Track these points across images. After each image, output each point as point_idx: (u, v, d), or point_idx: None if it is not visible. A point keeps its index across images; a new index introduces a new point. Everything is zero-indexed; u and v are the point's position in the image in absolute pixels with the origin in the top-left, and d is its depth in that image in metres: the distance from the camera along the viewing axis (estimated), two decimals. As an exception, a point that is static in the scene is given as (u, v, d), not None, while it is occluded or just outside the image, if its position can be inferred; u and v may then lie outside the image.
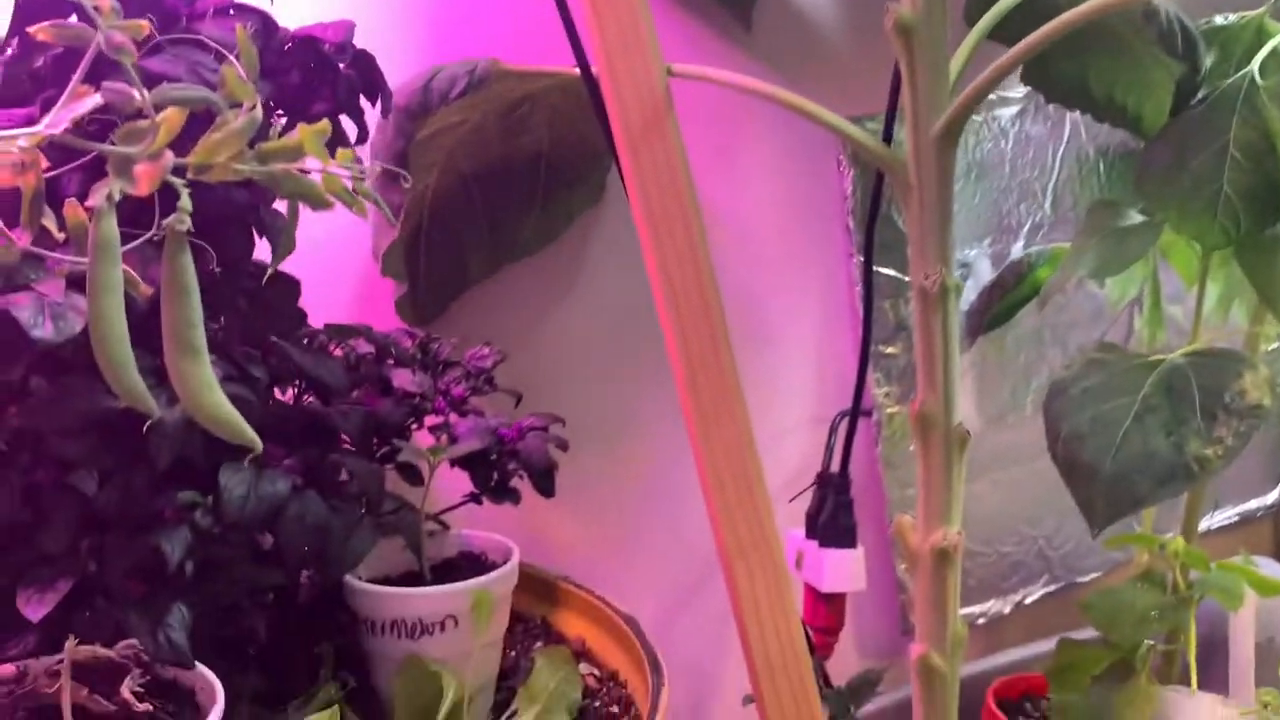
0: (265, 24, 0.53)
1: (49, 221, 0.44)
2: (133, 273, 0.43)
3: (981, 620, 1.18)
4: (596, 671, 0.73)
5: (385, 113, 0.62)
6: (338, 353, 0.77)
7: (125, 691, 0.47)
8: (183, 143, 0.41)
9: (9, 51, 0.50)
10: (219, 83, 0.43)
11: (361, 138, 0.61)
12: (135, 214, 0.44)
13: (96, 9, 0.38)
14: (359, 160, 0.40)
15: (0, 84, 0.50)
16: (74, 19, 0.46)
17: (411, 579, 0.70)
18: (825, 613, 1.01)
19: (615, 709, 0.69)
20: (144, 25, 0.38)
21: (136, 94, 0.39)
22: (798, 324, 1.12)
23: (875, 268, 1.10)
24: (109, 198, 0.41)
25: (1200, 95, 0.87)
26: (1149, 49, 0.88)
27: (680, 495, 1.06)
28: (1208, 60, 0.91)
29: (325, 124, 0.42)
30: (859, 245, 1.08)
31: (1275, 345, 1.17)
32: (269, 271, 0.46)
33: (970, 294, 1.14)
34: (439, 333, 0.87)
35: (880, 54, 0.71)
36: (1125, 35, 0.90)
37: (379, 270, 0.87)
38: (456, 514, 0.85)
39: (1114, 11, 0.83)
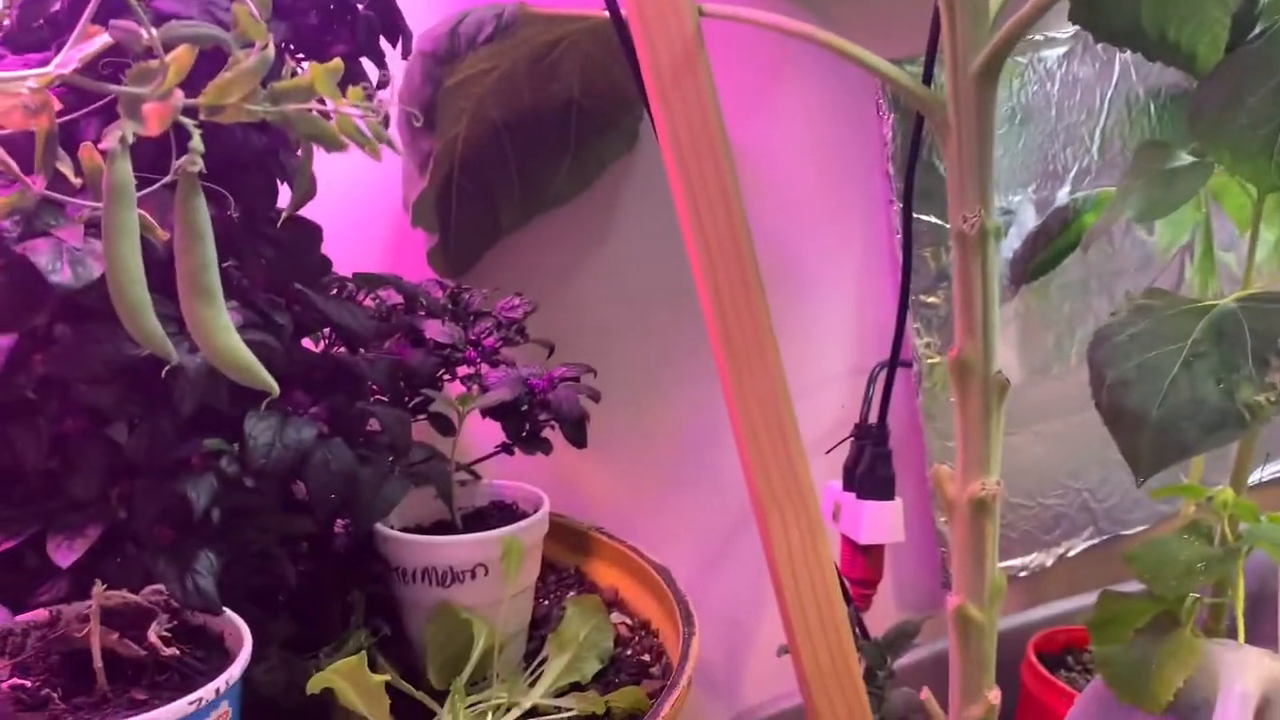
0: (281, -37, 0.52)
1: (67, 167, 0.43)
2: (149, 217, 0.42)
3: (1023, 573, 1.17)
4: (628, 620, 0.73)
5: (405, 54, 0.61)
6: (368, 303, 0.76)
7: (152, 636, 0.47)
8: (197, 85, 0.40)
9: (24, -5, 0.49)
10: (231, 22, 0.42)
11: (383, 81, 0.60)
12: (155, 159, 0.44)
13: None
14: (370, 96, 0.39)
15: (16, 29, 0.50)
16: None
17: (443, 528, 0.70)
18: (863, 565, 1.00)
19: (647, 657, 0.69)
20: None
21: (144, 32, 0.39)
22: (835, 272, 1.10)
23: (915, 215, 1.08)
24: (122, 140, 0.40)
25: (1258, 30, 0.84)
26: (1203, -18, 0.84)
27: (714, 445, 1.06)
28: (1265, -5, 0.87)
29: (338, 63, 0.41)
30: (899, 192, 1.06)
31: (1332, 291, 1.13)
32: (285, 215, 0.45)
33: (1014, 241, 1.11)
34: (471, 284, 0.86)
35: (919, -6, 0.68)
36: (1178, -33, 0.86)
37: (409, 221, 0.86)
38: (489, 465, 0.85)
39: (1166, -59, 0.80)
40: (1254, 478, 1.32)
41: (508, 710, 0.61)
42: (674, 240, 0.76)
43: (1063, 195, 1.13)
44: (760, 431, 0.78)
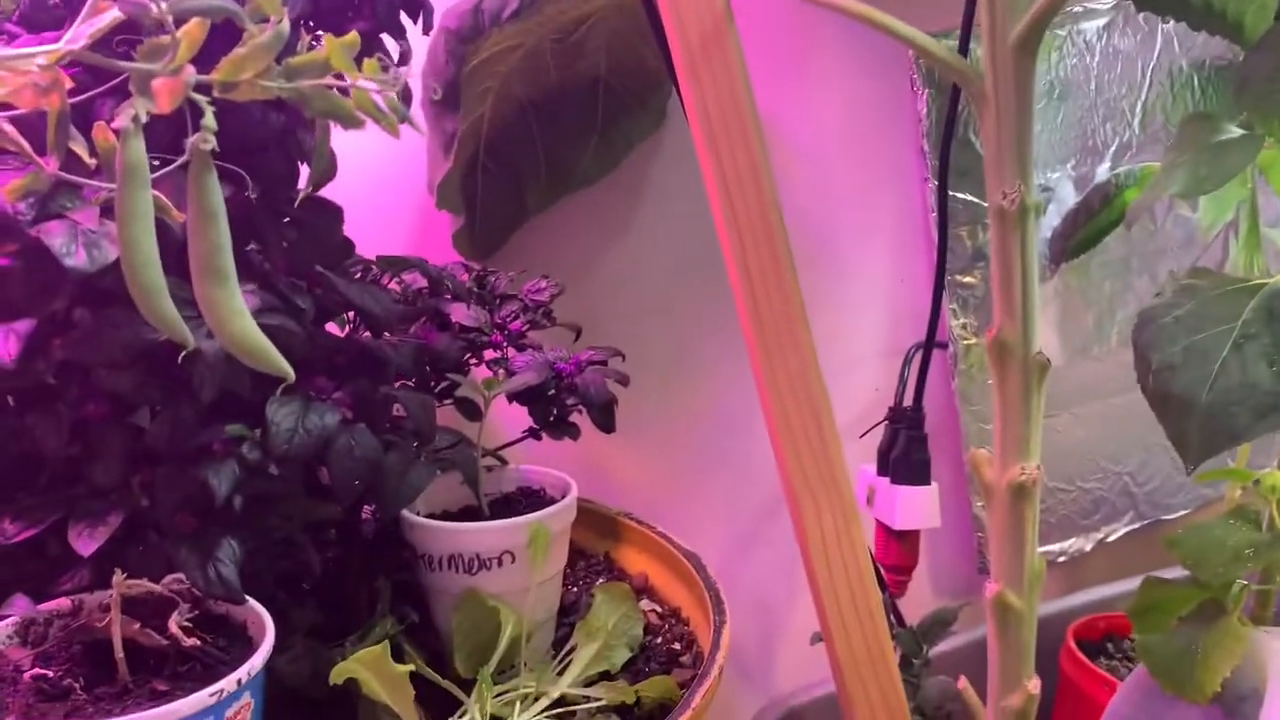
0: (299, -63, 0.51)
1: (81, 147, 0.42)
2: (164, 199, 0.41)
3: (1062, 559, 1.15)
4: (658, 608, 0.72)
5: (427, 30, 0.59)
6: (393, 286, 0.75)
7: (173, 626, 0.47)
8: (212, 61, 0.39)
9: (38, -28, 0.48)
10: (247, -4, 0.41)
11: (404, 58, 0.59)
12: (171, 139, 0.43)
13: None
14: (385, 69, 0.38)
15: (30, 7, 0.49)
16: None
17: (470, 514, 0.69)
18: (898, 551, 0.98)
19: (677, 645, 0.67)
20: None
21: (154, 6, 0.37)
22: (870, 252, 1.08)
23: (951, 192, 1.05)
24: (135, 119, 0.39)
25: (1309, -4, 0.81)
26: (1251, -53, 0.81)
27: (746, 429, 1.04)
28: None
29: (354, 36, 0.39)
30: (934, 169, 1.03)
31: (1386, 267, 1.09)
32: (302, 195, 0.44)
33: (1053, 219, 1.09)
34: (497, 266, 0.85)
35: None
36: (1225, -67, 0.83)
37: (434, 204, 0.85)
38: (517, 450, 0.84)
39: (1213, -96, 0.77)
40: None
41: (535, 700, 0.60)
42: (703, 220, 0.74)
43: (1103, 171, 1.11)
44: (792, 415, 0.76)
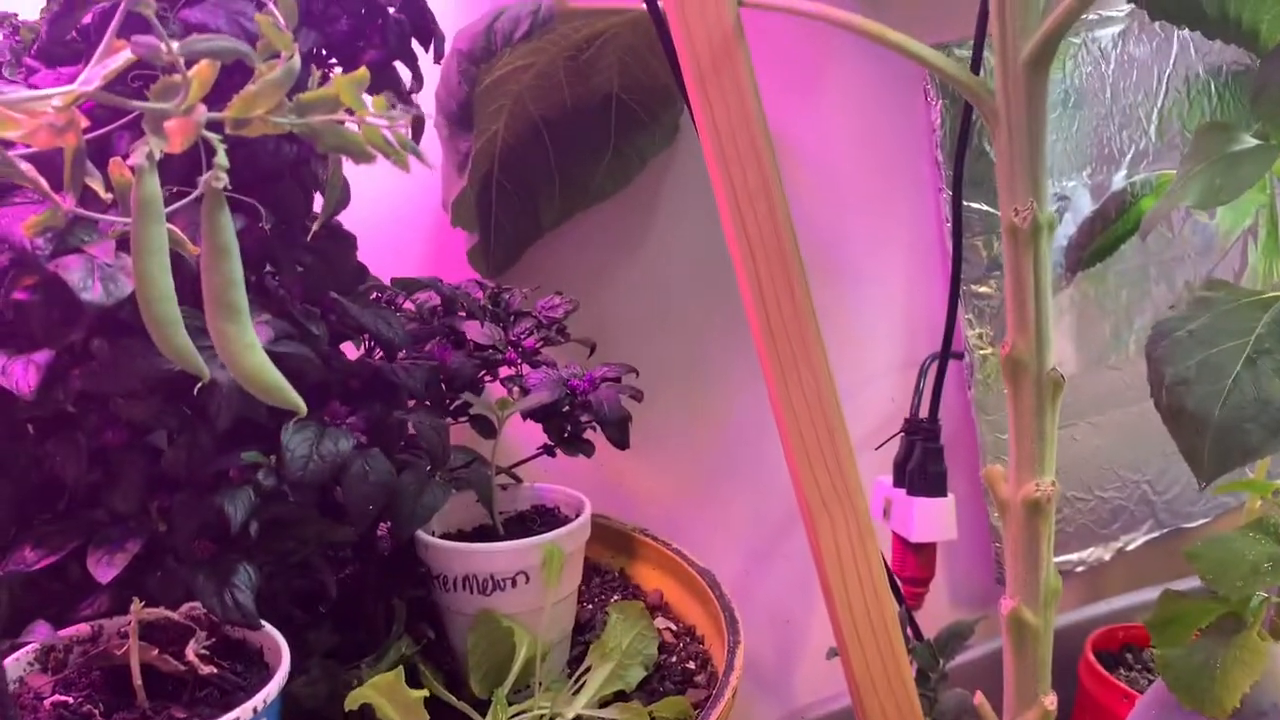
0: (310, -31, 0.52)
1: (98, 182, 0.43)
2: (179, 233, 0.42)
3: (1081, 568, 1.14)
4: (673, 626, 0.72)
5: (438, 57, 0.60)
6: (409, 305, 0.76)
7: (190, 654, 0.47)
8: (226, 95, 0.40)
9: (54, 7, 0.49)
10: (259, 32, 0.41)
11: (416, 84, 0.59)
12: (187, 173, 0.43)
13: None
14: (395, 106, 0.38)
15: (48, 42, 0.50)
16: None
17: (485, 533, 0.69)
18: (915, 563, 0.98)
19: (692, 665, 0.68)
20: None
21: (163, 47, 0.38)
22: (885, 263, 1.07)
23: (966, 203, 1.05)
24: (149, 156, 0.40)
25: (1324, 4, 0.80)
26: (1266, -44, 0.81)
27: (763, 441, 1.04)
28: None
29: (363, 72, 0.40)
30: (948, 179, 1.03)
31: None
32: (315, 226, 0.45)
33: (1069, 228, 1.08)
34: (512, 282, 0.86)
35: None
36: (1240, -58, 0.82)
37: (449, 221, 0.86)
38: (534, 466, 0.84)
39: (1226, -85, 0.77)
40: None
41: (551, 720, 0.60)
42: (716, 236, 0.74)
43: (1119, 179, 1.10)
44: (806, 430, 0.76)
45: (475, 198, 0.88)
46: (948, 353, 0.95)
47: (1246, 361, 0.75)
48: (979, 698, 0.78)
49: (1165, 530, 1.18)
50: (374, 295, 0.67)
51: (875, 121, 1.04)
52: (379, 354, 0.66)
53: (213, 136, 0.39)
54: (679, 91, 0.74)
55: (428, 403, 0.70)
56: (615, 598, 0.76)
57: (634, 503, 1.00)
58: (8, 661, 0.49)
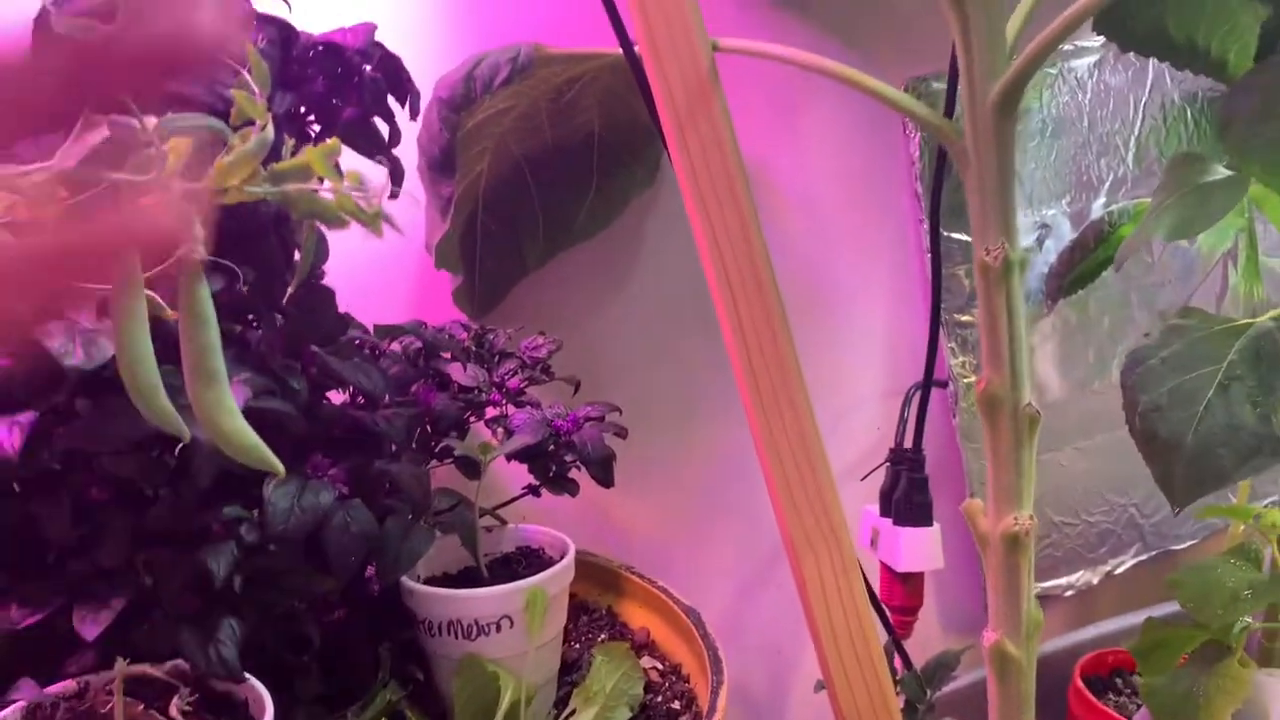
0: (285, 34, 0.53)
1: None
2: (158, 299, 0.43)
3: (1070, 593, 1.15)
4: (659, 664, 0.73)
5: (414, 114, 0.61)
6: (395, 347, 0.77)
7: (174, 710, 0.48)
8: (204, 161, 0.41)
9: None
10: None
11: (395, 138, 0.61)
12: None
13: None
14: (376, 157, 0.39)
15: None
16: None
17: (471, 575, 0.70)
18: (903, 592, 0.99)
19: (677, 704, 0.68)
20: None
21: (139, 124, 0.39)
22: (868, 294, 1.08)
23: (947, 233, 1.06)
24: (128, 225, 0.41)
25: (1289, 37, 0.82)
26: (1233, -10, 0.82)
27: (751, 473, 1.04)
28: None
29: (334, 143, 0.41)
30: (928, 210, 1.04)
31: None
32: (290, 289, 0.46)
33: (1050, 255, 1.09)
34: (498, 322, 0.87)
35: (948, 5, 0.67)
36: (1207, -24, 0.84)
37: (433, 264, 0.86)
38: (523, 504, 0.85)
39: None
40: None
41: (537, 763, 0.61)
42: (699, 272, 0.76)
43: (1098, 206, 1.11)
44: (789, 468, 0.77)
45: (459, 239, 0.89)
46: (929, 382, 0.96)
47: (1218, 388, 0.76)
48: (965, 729, 0.79)
49: (1153, 553, 1.19)
50: (358, 343, 0.68)
51: (855, 155, 1.05)
52: (361, 403, 0.67)
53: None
54: (659, 133, 0.76)
55: (413, 447, 0.71)
56: (602, 637, 0.76)
57: (623, 539, 1.00)
58: (-5, 719, 0.50)
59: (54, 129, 0.49)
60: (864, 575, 0.94)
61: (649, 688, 0.69)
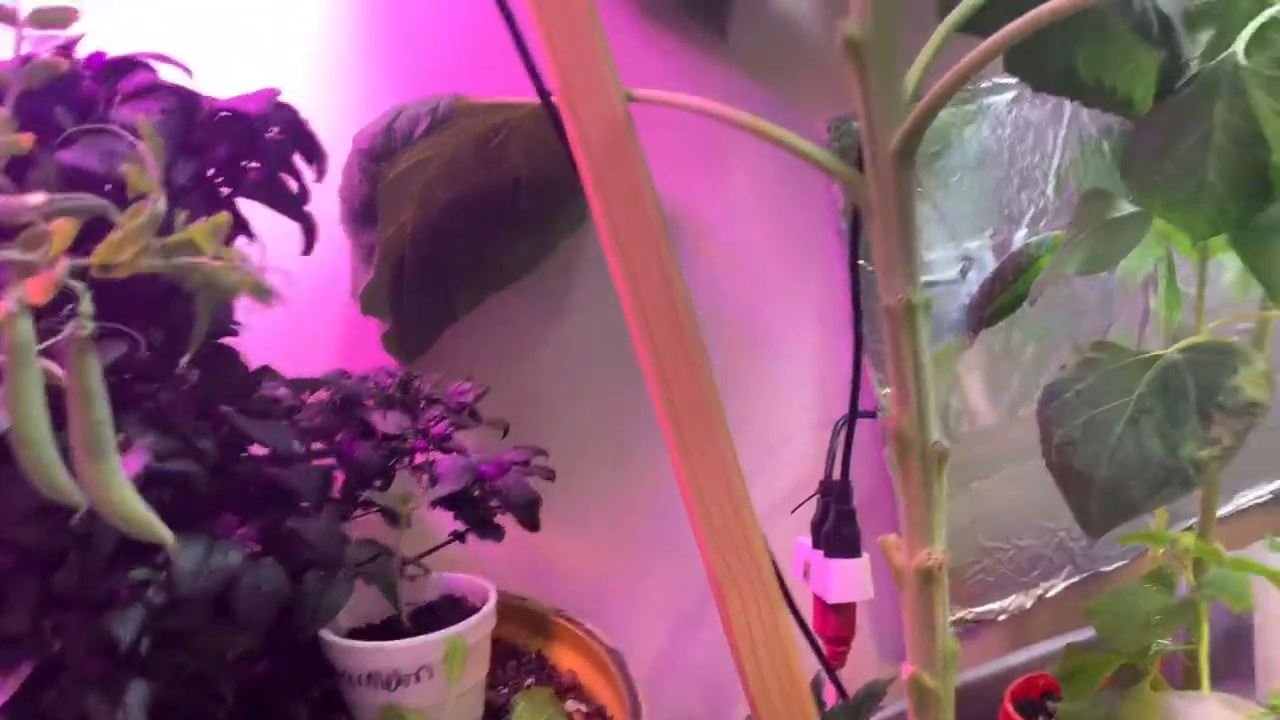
0: (186, 101, 0.53)
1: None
2: (55, 370, 0.43)
3: (1002, 617, 1.17)
4: (584, 707, 0.73)
5: (320, 175, 0.62)
6: (321, 396, 0.77)
7: (77, 778, 0.48)
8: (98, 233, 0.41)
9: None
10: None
11: (304, 195, 0.61)
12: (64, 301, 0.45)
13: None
14: (247, 259, 0.40)
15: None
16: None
17: (394, 625, 0.71)
18: (835, 623, 1.00)
19: (600, 747, 0.69)
20: (26, 140, 0.38)
21: (27, 203, 0.40)
22: (798, 330, 1.10)
23: (872, 267, 1.08)
24: (20, 301, 0.41)
25: (1186, 77, 0.84)
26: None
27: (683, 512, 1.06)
28: (1203, 37, 0.88)
29: (222, 217, 0.42)
30: (849, 244, 1.07)
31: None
32: (185, 358, 0.46)
33: (974, 287, 1.12)
34: (430, 367, 0.87)
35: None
36: (1109, 16, 0.87)
37: (359, 310, 0.87)
38: (457, 550, 0.85)
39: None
40: (1238, 502, 1.31)
41: (458, 812, 0.61)
42: (628, 314, 0.77)
43: (1020, 238, 1.14)
44: (712, 509, 0.78)
45: (387, 286, 0.89)
46: (854, 415, 0.98)
47: (1129, 421, 0.78)
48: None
49: (1084, 575, 1.21)
50: (276, 398, 0.69)
51: (780, 194, 1.07)
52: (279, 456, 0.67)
53: (76, 285, 0.41)
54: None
55: (333, 499, 0.71)
56: (530, 681, 0.77)
57: (561, 581, 1.01)
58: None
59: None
60: (796, 608, 0.96)
61: (573, 731, 0.70)
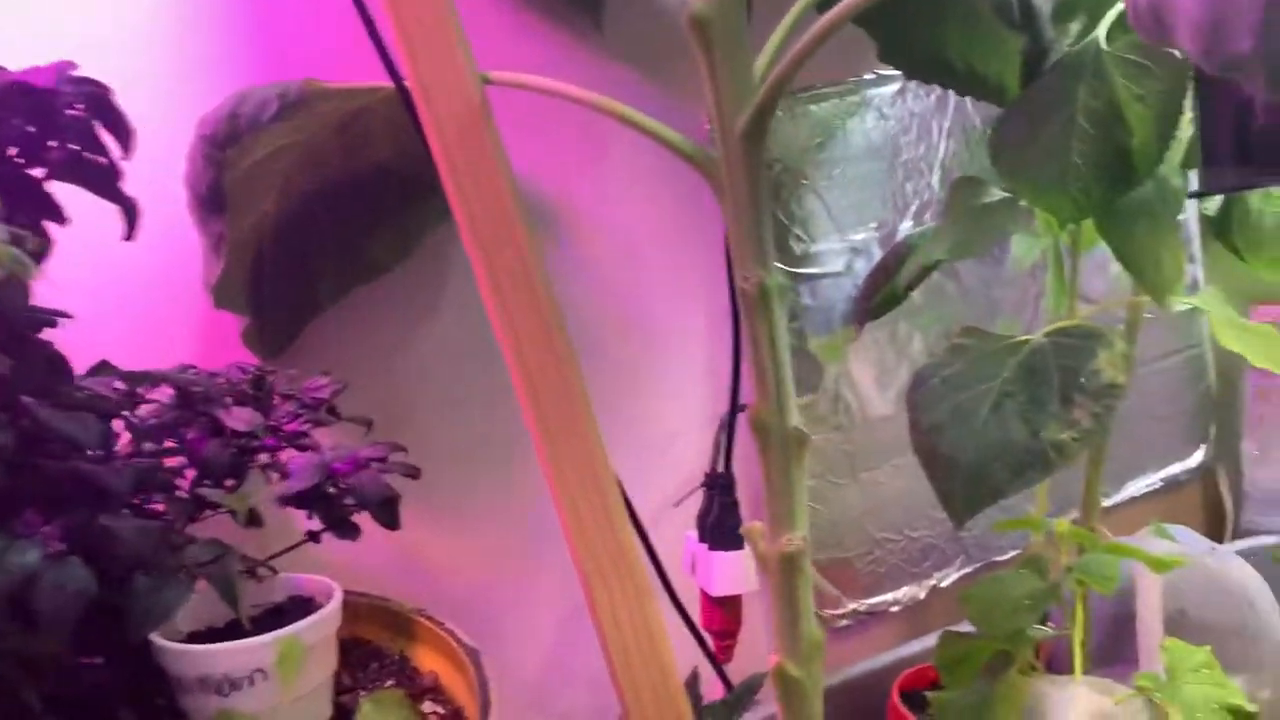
0: (-25, 74, 0.51)
1: None
2: None
3: (895, 608, 1.16)
4: (441, 709, 0.71)
5: (126, 149, 0.59)
6: (166, 392, 0.74)
7: None
8: None
9: None
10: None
11: (116, 174, 0.58)
12: None
13: None
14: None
15: None
16: None
17: (237, 628, 0.68)
18: (721, 616, 0.99)
19: (453, 750, 0.67)
20: None
21: None
22: (685, 323, 1.09)
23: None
24: None
25: (1050, 63, 0.85)
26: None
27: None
28: (1075, 24, 0.88)
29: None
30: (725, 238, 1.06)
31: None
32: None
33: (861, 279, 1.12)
34: (295, 363, 0.85)
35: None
36: (977, 4, 0.87)
37: (212, 303, 0.84)
38: (333, 553, 0.83)
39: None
40: (1127, 493, 1.33)
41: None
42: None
43: (906, 229, 1.14)
44: (580, 502, 0.76)
45: (247, 279, 0.86)
46: (735, 408, 0.98)
47: (993, 406, 0.78)
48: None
49: (977, 565, 1.21)
50: (107, 392, 0.65)
51: (666, 188, 1.06)
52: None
53: None
54: (441, 166, 0.75)
55: (183, 497, 0.68)
56: (390, 683, 0.74)
57: (444, 584, 0.98)
58: None
59: None
60: (679, 602, 0.95)
61: (427, 733, 0.68)
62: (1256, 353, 0.91)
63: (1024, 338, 0.82)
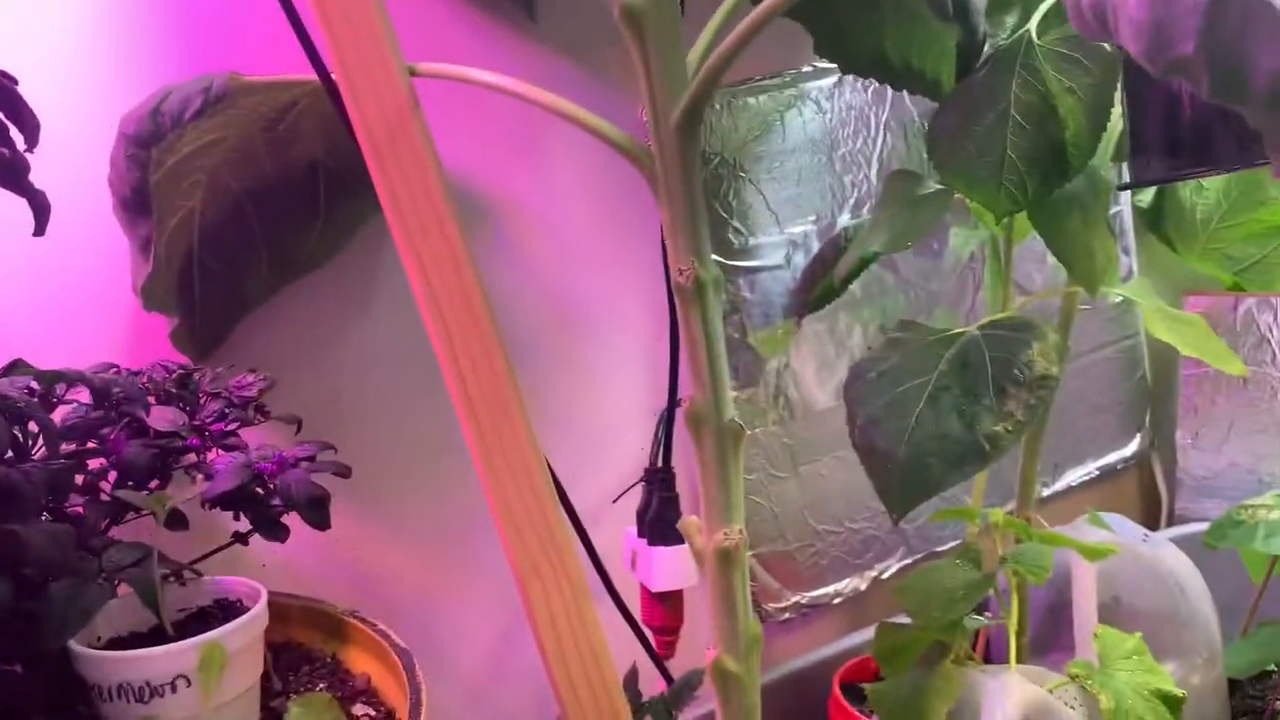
0: None
1: None
2: None
3: (838, 600, 1.17)
4: (373, 711, 0.70)
5: (30, 144, 0.57)
6: (82, 394, 0.72)
7: None
8: None
9: None
10: None
11: (20, 165, 0.56)
12: None
13: None
14: None
15: None
16: None
17: (160, 633, 0.66)
18: (662, 613, 0.99)
19: (384, 752, 0.66)
20: None
21: None
22: (625, 317, 1.09)
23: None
24: None
25: (983, 57, 0.85)
26: (935, 11, 0.85)
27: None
28: (1009, 17, 0.88)
29: None
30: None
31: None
32: None
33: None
34: (226, 362, 0.83)
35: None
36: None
37: (142, 306, 0.82)
38: (269, 555, 0.81)
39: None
40: (1063, 482, 1.35)
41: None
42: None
43: (844, 222, 1.14)
44: (512, 499, 0.75)
45: (175, 279, 0.84)
46: (674, 402, 0.97)
47: (929, 399, 0.78)
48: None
49: (918, 555, 1.22)
50: (26, 390, 0.63)
51: (604, 176, 1.05)
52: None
53: None
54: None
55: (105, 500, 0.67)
56: (321, 686, 0.73)
57: (384, 587, 0.97)
58: None
59: None
60: (619, 598, 0.94)
61: (358, 737, 0.66)
62: (1186, 342, 0.93)
63: (959, 330, 0.82)
